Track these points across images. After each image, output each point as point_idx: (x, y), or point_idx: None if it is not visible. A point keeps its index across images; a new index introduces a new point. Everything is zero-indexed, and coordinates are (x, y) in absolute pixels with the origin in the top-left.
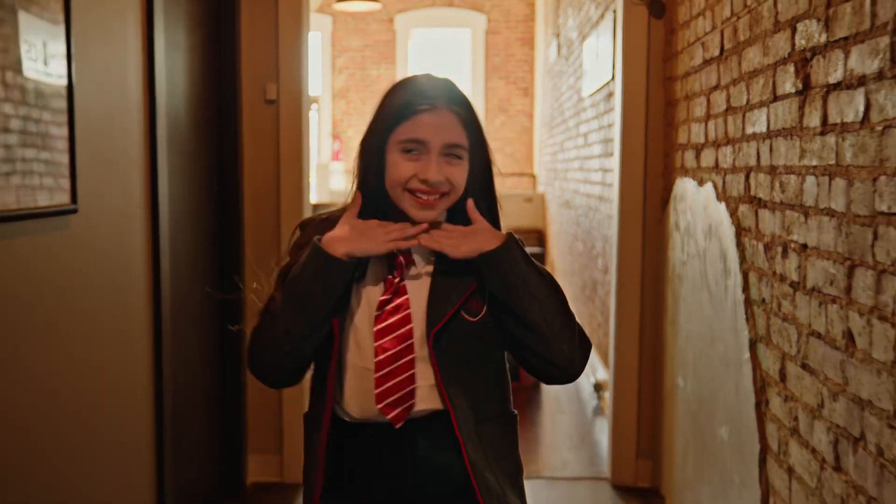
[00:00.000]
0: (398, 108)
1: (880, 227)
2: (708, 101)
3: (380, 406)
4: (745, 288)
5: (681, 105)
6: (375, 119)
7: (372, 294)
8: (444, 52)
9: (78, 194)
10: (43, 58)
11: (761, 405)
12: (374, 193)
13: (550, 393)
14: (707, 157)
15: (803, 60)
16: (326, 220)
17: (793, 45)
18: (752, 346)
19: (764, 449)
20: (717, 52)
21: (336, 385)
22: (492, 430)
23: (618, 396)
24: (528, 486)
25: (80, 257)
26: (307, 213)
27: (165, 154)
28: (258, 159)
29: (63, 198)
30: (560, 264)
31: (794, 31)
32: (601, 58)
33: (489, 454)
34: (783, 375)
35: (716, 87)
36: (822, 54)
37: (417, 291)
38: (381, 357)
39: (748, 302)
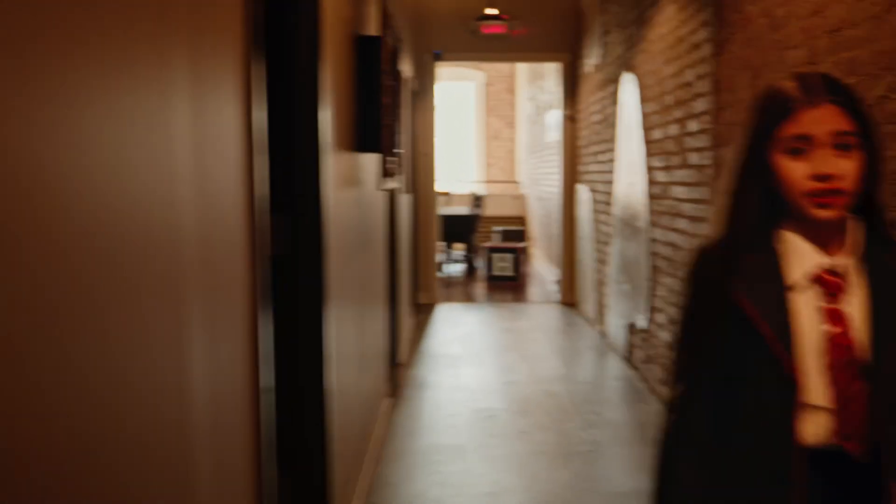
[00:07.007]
0: (776, 109)
1: (613, 205)
2: (584, 155)
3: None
4: (595, 223)
5: (580, 155)
6: (753, 128)
7: (805, 320)
8: (457, 98)
9: (416, 185)
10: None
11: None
12: (762, 204)
13: (533, 282)
14: (586, 176)
15: (596, 154)
16: (715, 252)
17: (599, 148)
18: (591, 240)
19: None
20: (584, 144)
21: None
22: None
23: (563, 278)
24: (519, 304)
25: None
26: (439, 201)
27: (411, 176)
28: (421, 181)
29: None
30: (537, 232)
31: (596, 144)
32: (555, 127)
33: None
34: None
35: (585, 154)
36: (596, 154)
37: (853, 314)
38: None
39: (595, 229)
